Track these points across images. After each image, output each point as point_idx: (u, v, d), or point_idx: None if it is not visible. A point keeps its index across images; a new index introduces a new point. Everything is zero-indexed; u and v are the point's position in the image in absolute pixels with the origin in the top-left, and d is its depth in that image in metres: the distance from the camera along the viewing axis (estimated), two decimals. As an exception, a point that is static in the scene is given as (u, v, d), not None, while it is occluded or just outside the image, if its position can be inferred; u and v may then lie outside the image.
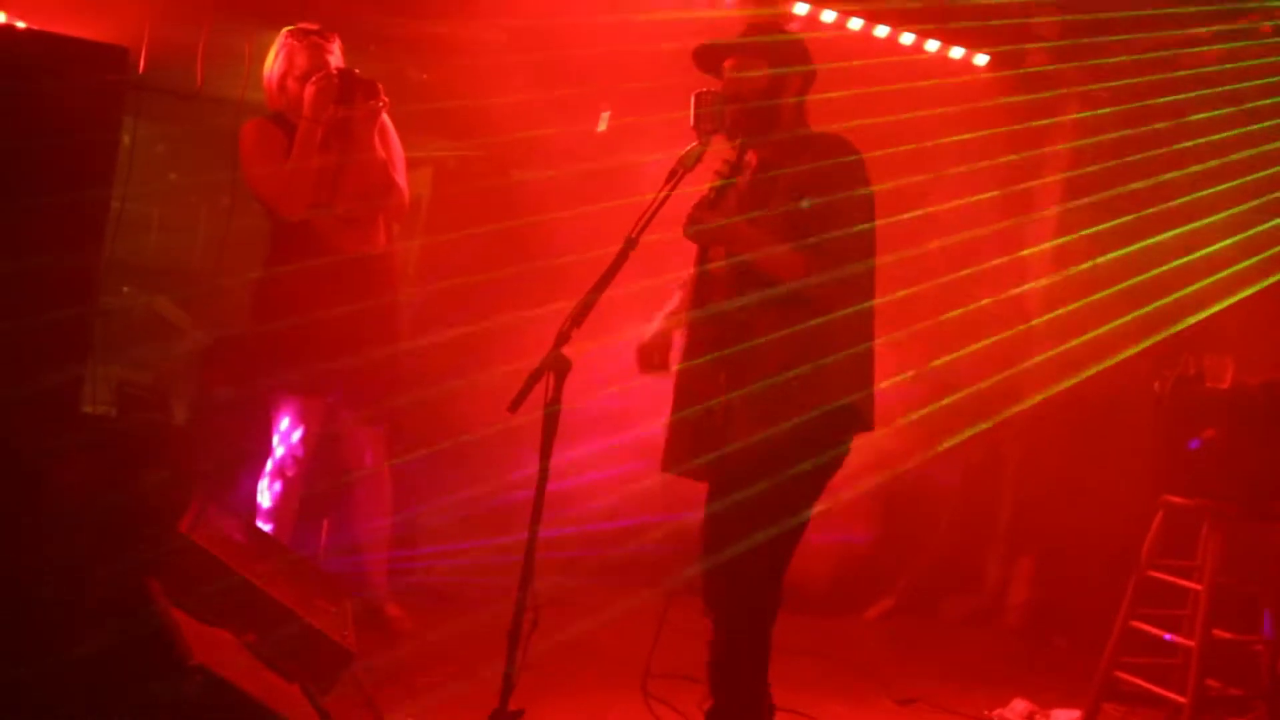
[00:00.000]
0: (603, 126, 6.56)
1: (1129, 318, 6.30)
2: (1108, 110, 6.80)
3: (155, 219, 8.32)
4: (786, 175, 3.83)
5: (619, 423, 5.27)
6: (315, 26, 4.82)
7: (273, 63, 4.79)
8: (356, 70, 4.73)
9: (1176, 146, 6.29)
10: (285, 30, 4.81)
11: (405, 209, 5.02)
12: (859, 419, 3.86)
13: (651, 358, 4.08)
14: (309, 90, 4.65)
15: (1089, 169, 6.88)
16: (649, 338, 4.10)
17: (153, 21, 5.25)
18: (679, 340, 4.04)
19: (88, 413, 4.86)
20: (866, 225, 3.83)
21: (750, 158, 3.95)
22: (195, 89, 5.49)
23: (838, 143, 3.85)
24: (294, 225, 4.72)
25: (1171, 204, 6.26)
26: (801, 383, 3.75)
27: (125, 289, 7.64)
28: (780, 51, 3.91)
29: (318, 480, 4.84)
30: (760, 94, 3.86)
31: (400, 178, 4.88)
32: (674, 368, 4.01)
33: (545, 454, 3.67)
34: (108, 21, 4.95)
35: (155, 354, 6.81)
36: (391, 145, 4.87)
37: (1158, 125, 6.41)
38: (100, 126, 3.78)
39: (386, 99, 4.74)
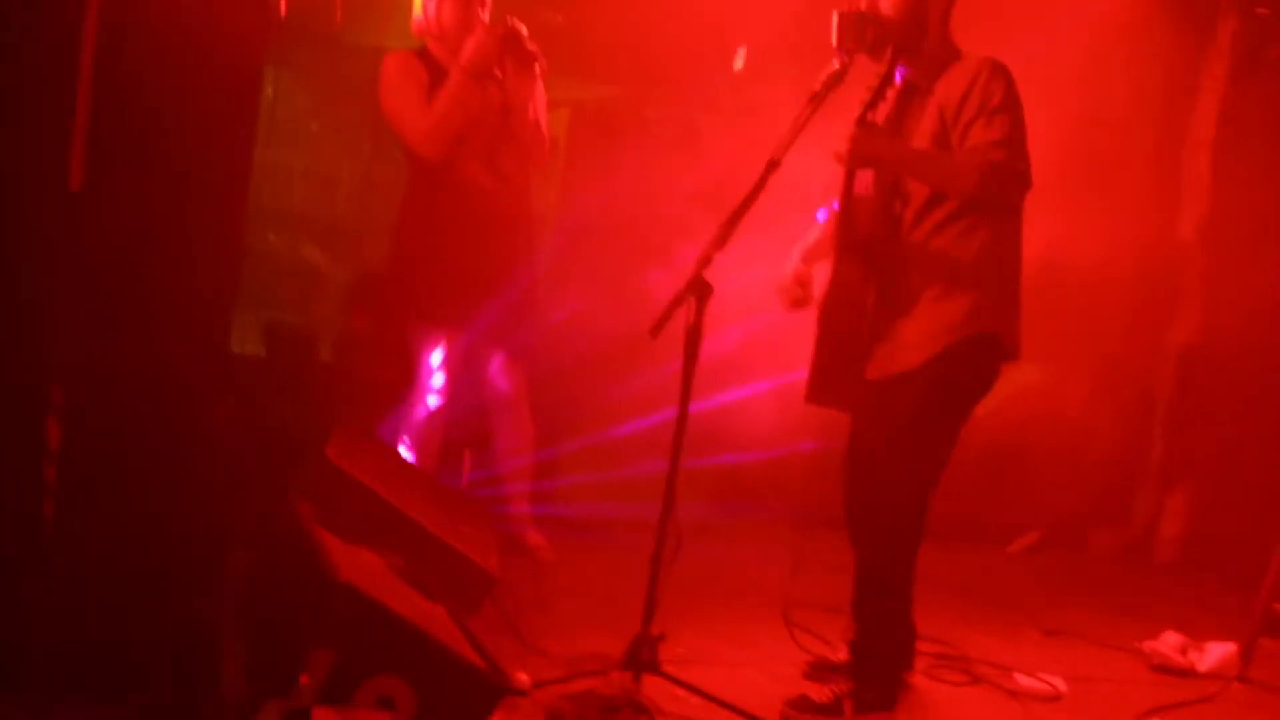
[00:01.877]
0: (739, 64, 6.49)
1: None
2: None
3: (298, 168, 8.45)
4: (937, 96, 3.75)
5: (761, 358, 5.24)
6: None
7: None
8: (524, 31, 4.71)
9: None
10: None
11: (549, 159, 5.06)
12: (1004, 348, 3.80)
13: (793, 292, 4.05)
14: (471, 43, 4.61)
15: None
16: (789, 274, 4.07)
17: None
18: (821, 273, 3.99)
19: (237, 353, 5.00)
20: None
21: (899, 75, 3.87)
22: (334, 29, 5.52)
23: (991, 66, 3.74)
24: (438, 167, 4.72)
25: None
26: (947, 312, 3.70)
27: (271, 236, 7.80)
28: None
29: (461, 412, 4.90)
30: (904, 14, 3.78)
31: (545, 128, 4.91)
32: (817, 301, 3.97)
33: (687, 378, 3.68)
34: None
35: (301, 297, 6.96)
36: (541, 104, 4.90)
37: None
38: (245, 74, 3.80)
39: (545, 64, 4.74)
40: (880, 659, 3.92)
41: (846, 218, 3.84)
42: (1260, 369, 6.25)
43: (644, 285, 5.11)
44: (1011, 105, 3.68)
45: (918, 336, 3.73)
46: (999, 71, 3.71)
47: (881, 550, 3.86)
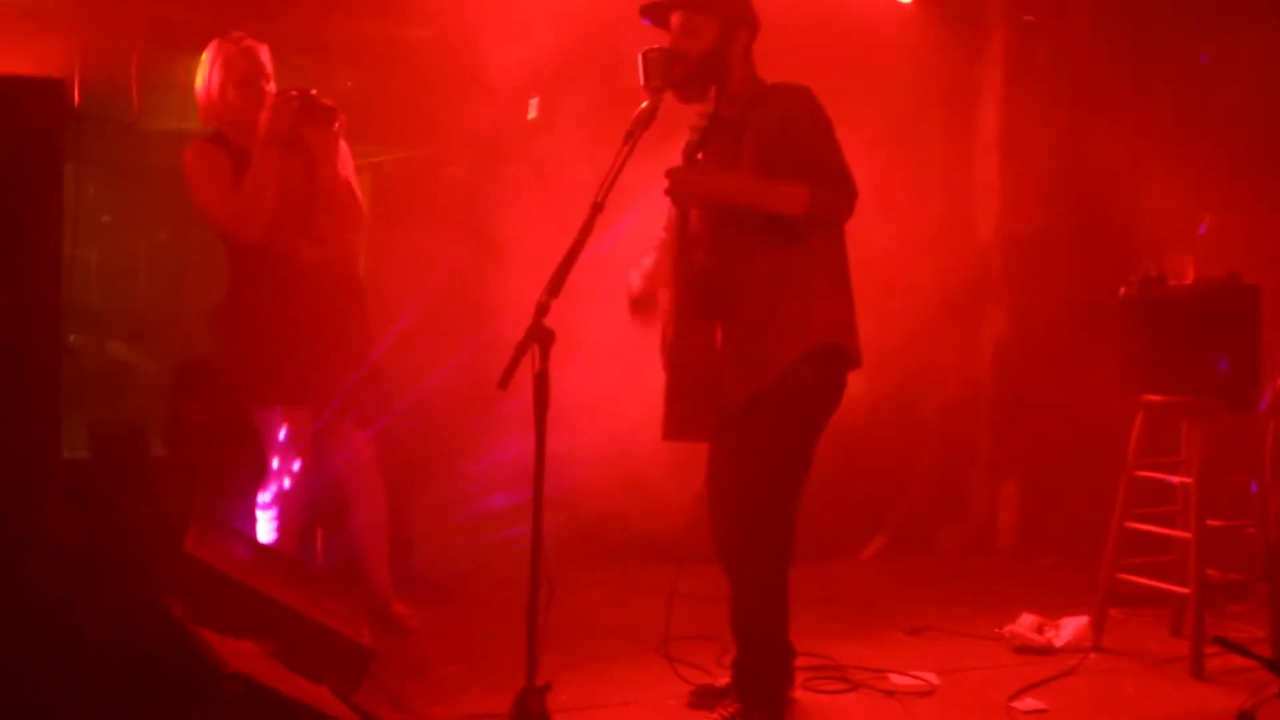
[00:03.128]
0: (533, 114, 6.55)
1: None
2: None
3: (94, 261, 8.24)
4: (751, 129, 3.86)
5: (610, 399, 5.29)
6: (244, 34, 4.75)
7: (208, 73, 4.66)
8: (314, 92, 4.66)
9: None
10: (215, 40, 4.71)
11: (365, 221, 5.02)
12: (848, 356, 3.92)
13: (643, 302, 4.11)
14: (265, 114, 4.54)
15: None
16: (637, 286, 4.13)
17: (82, 54, 5.19)
18: (663, 302, 4.06)
19: (64, 459, 4.83)
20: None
21: (688, 109, 3.96)
22: (132, 117, 5.42)
23: (799, 92, 3.88)
24: (256, 246, 4.66)
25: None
26: (790, 328, 3.80)
27: (72, 337, 7.57)
28: (727, 5, 3.93)
29: (312, 489, 4.82)
30: (708, 49, 3.88)
31: (358, 192, 4.88)
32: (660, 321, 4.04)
33: (540, 426, 3.68)
34: (31, 56, 4.88)
35: (113, 395, 6.78)
36: (349, 164, 4.86)
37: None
38: (46, 167, 3.69)
39: (344, 120, 4.72)
40: (764, 678, 3.98)
41: (683, 253, 3.91)
42: (1066, 357, 6.53)
43: (482, 338, 5.11)
44: (828, 126, 3.82)
45: (766, 358, 3.82)
46: (810, 96, 3.84)
47: (757, 570, 3.93)
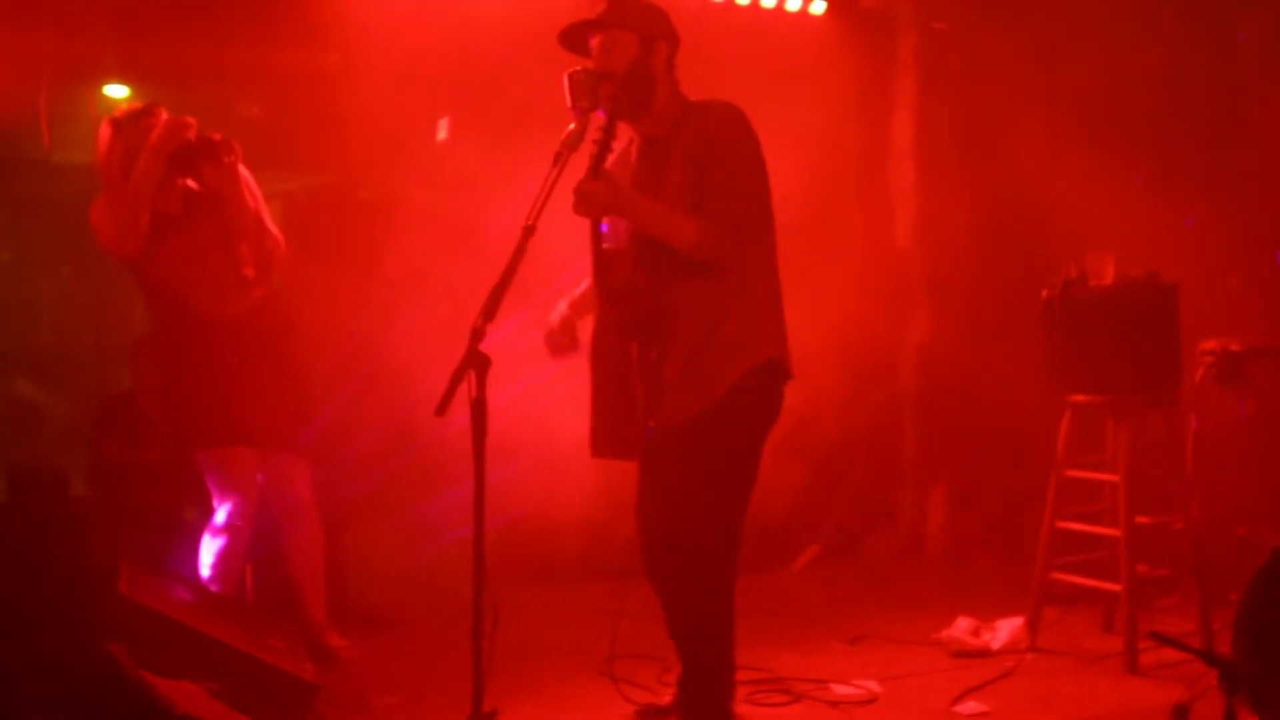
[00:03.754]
0: (443, 135, 6.52)
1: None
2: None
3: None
4: (679, 147, 3.86)
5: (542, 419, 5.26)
6: (139, 107, 4.63)
7: (108, 156, 4.53)
8: (207, 133, 4.58)
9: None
10: (108, 120, 4.57)
11: (283, 253, 4.90)
12: (783, 369, 3.94)
13: (559, 340, 4.10)
14: (161, 126, 4.48)
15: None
16: (555, 322, 4.13)
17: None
18: (588, 324, 4.06)
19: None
20: (761, 187, 3.89)
21: (626, 128, 3.97)
22: (44, 154, 5.33)
23: (725, 111, 3.89)
24: (171, 293, 4.59)
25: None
26: (732, 347, 3.81)
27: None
28: (645, 20, 3.94)
29: (244, 525, 4.74)
30: (632, 65, 3.89)
31: (272, 225, 4.81)
32: (584, 349, 4.03)
33: (479, 451, 3.66)
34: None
35: (22, 434, 6.64)
36: (256, 194, 4.78)
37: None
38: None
39: (239, 148, 4.64)
40: (709, 694, 3.98)
41: (600, 268, 3.91)
42: (989, 359, 6.61)
43: (409, 363, 5.07)
44: (749, 152, 3.84)
45: (710, 377, 3.82)
46: (737, 117, 3.86)
47: (704, 587, 3.93)
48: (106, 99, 6.22)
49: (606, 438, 3.96)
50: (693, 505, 3.86)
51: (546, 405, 5.15)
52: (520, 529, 5.72)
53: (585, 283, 4.13)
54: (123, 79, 6.18)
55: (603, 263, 3.91)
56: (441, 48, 5.76)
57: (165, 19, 5.48)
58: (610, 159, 3.85)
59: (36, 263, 7.57)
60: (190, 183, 4.62)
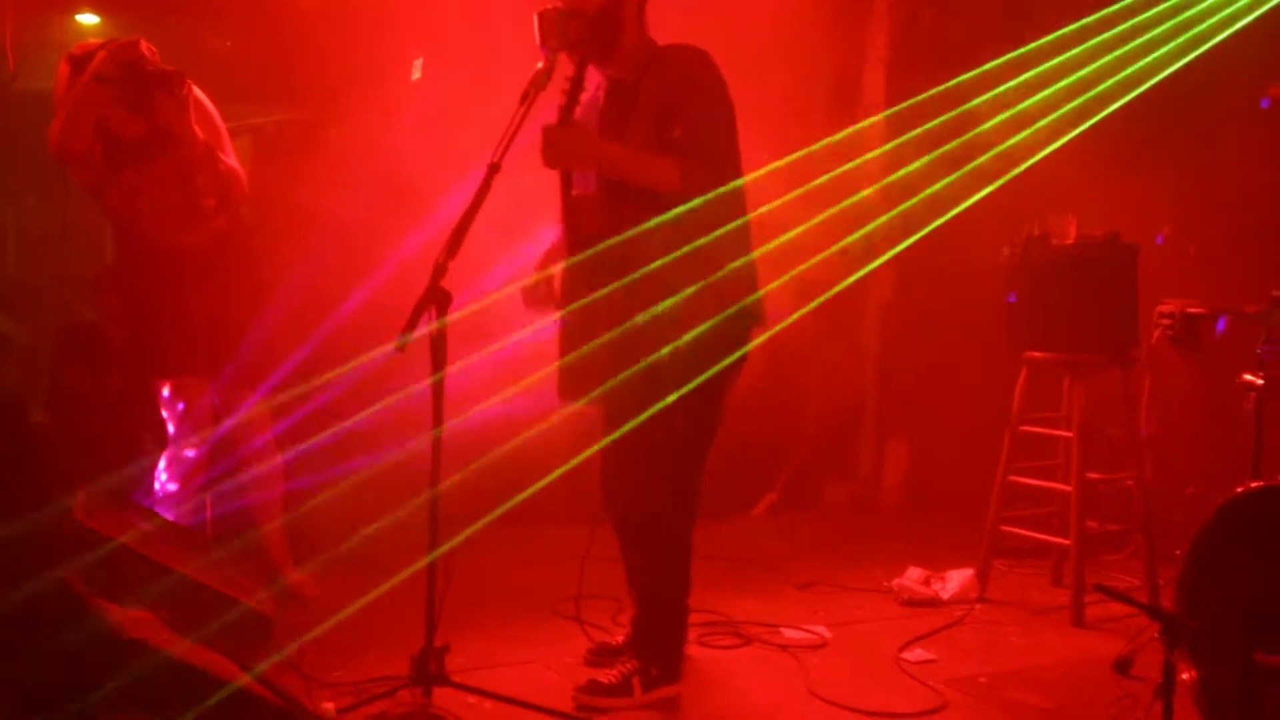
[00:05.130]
0: (417, 75, 6.48)
1: (956, 176, 6.54)
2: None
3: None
4: (647, 91, 3.86)
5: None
6: (98, 43, 4.52)
7: (66, 93, 4.46)
8: (161, 68, 4.51)
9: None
10: (66, 56, 4.48)
11: (244, 187, 4.84)
12: (755, 318, 3.96)
13: (536, 293, 4.11)
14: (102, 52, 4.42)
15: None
16: (532, 279, 4.13)
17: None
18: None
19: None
20: (731, 131, 3.90)
21: (594, 72, 3.97)
22: (7, 78, 5.28)
23: (694, 55, 3.88)
24: (130, 221, 4.57)
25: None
26: (701, 292, 3.81)
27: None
28: None
29: (204, 456, 4.76)
30: (603, 6, 3.88)
31: (231, 158, 4.76)
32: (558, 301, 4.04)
33: (438, 390, 3.68)
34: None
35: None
36: (216, 127, 4.73)
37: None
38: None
39: (190, 83, 4.57)
40: (663, 636, 4.03)
41: (570, 216, 3.91)
42: (949, 316, 6.68)
43: (374, 298, 5.07)
44: (718, 93, 3.84)
45: (677, 321, 3.81)
46: (705, 61, 3.85)
47: (665, 531, 3.97)
48: (78, 25, 6.17)
49: (573, 381, 3.98)
50: (657, 449, 3.88)
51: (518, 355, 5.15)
52: (490, 471, 5.75)
53: (556, 233, 4.13)
54: (93, 7, 6.14)
55: (572, 208, 3.92)
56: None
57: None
58: (577, 110, 3.86)
59: (1, 191, 7.52)
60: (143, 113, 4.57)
